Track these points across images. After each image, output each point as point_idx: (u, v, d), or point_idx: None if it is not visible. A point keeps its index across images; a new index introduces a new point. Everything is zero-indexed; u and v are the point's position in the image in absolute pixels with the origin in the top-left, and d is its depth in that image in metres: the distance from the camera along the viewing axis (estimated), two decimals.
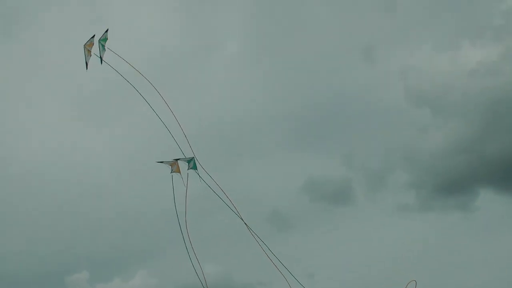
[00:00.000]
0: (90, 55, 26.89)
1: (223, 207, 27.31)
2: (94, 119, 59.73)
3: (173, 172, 27.30)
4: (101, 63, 27.18)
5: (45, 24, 63.46)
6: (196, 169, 27.53)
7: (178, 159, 27.27)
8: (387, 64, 61.85)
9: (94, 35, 26.86)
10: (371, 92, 60.96)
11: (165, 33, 62.80)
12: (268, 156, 57.13)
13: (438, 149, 56.60)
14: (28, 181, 57.38)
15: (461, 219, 56.02)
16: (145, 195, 54.90)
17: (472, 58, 56.95)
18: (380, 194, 57.09)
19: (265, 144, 58.54)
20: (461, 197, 56.15)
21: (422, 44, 62.69)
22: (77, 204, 56.29)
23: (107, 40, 27.03)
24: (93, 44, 26.86)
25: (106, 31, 26.95)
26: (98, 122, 59.96)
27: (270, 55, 63.95)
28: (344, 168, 58.26)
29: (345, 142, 59.53)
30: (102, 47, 27.00)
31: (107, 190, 57.41)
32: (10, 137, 60.10)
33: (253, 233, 26.50)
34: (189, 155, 27.37)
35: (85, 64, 27.07)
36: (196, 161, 27.34)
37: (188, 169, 27.39)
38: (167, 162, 27.28)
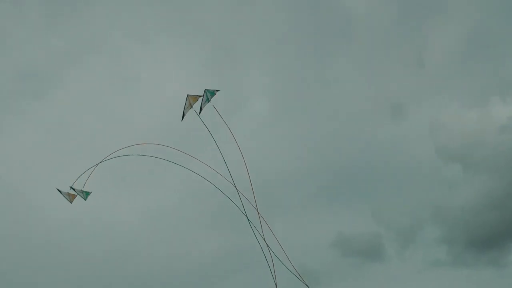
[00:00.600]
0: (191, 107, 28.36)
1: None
2: (122, 181, 60.23)
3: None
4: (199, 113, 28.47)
5: (73, 85, 64.85)
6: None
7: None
8: (416, 121, 62.28)
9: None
10: (401, 148, 61.32)
11: (192, 91, 63.39)
12: (297, 212, 56.68)
13: (469, 204, 56.26)
14: (58, 238, 57.12)
15: (494, 275, 55.46)
16: (174, 256, 55.74)
17: (502, 114, 57.53)
18: (411, 250, 56.70)
19: (294, 200, 58.23)
20: (493, 253, 55.79)
21: (452, 100, 63.65)
22: (105, 262, 56.06)
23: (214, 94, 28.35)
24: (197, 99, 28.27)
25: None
26: (126, 184, 59.92)
27: (298, 113, 64.52)
28: (374, 224, 57.66)
29: (375, 198, 59.45)
30: (207, 100, 28.44)
31: (137, 251, 57.24)
32: (42, 197, 57.98)
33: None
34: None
35: (182, 115, 28.49)
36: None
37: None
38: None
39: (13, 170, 60.51)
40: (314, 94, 65.24)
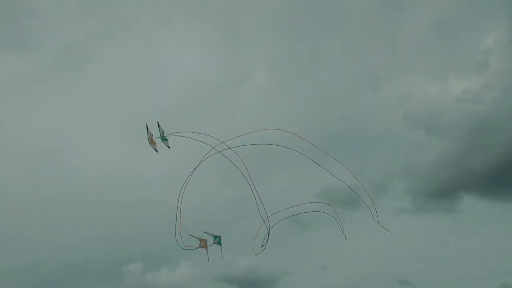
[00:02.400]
0: (155, 144, 28.29)
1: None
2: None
3: (201, 246, 28.95)
4: (170, 148, 28.26)
5: (107, 60, 69.66)
6: (220, 245, 29.03)
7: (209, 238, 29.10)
8: (388, 93, 66.48)
9: (147, 129, 28.09)
10: (376, 116, 65.45)
11: (205, 66, 68.51)
12: (290, 168, 59.26)
13: (430, 162, 60.24)
14: (94, 190, 63.27)
15: (450, 220, 60.42)
16: (188, 201, 61.14)
17: (458, 87, 61.32)
18: (382, 200, 58.55)
19: (288, 158, 57.71)
20: (449, 202, 60.08)
21: (417, 76, 67.75)
22: (133, 209, 62.11)
23: (164, 132, 28.17)
24: (152, 135, 28.09)
25: (158, 125, 28.09)
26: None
27: (294, 85, 69.03)
28: (352, 178, 57.00)
29: (354, 157, 59.69)
30: (166, 139, 28.26)
31: (156, 197, 61.52)
32: (81, 153, 65.98)
33: None
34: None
35: (155, 150, 28.27)
36: (220, 239, 28.88)
37: (213, 243, 29.14)
38: (196, 238, 28.75)
39: (54, 134, 66.70)
40: (307, 69, 69.83)
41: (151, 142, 28.24)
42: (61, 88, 68.61)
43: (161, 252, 59.69)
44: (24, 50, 70.01)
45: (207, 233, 29.20)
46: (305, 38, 71.34)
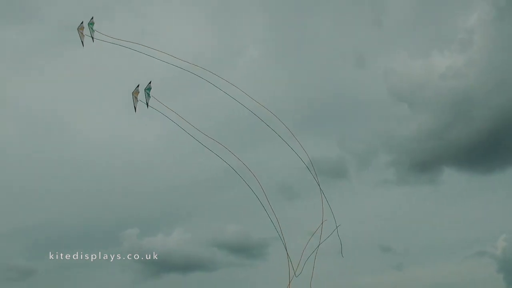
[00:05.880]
0: (137, 101, 28.35)
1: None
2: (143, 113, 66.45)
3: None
4: (147, 107, 28.22)
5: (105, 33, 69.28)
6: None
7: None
8: (373, 68, 67.07)
9: (138, 85, 28.46)
10: (361, 90, 65.84)
11: (197, 40, 67.91)
12: (280, 139, 60.84)
13: (413, 135, 61.75)
14: (92, 159, 64.61)
15: (430, 191, 62.30)
16: (182, 171, 62.50)
17: (442, 64, 62.29)
18: (367, 171, 62.46)
19: (279, 129, 61.86)
20: (430, 174, 61.91)
21: (402, 52, 67.71)
22: (131, 177, 63.52)
23: (151, 89, 28.38)
24: (139, 92, 28.23)
25: (149, 82, 28.42)
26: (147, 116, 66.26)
27: (283, 60, 69.54)
28: (338, 150, 62.78)
29: (340, 130, 64.81)
30: (148, 95, 28.25)
31: (153, 166, 64.09)
32: (81, 122, 67.16)
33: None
34: None
35: (134, 108, 28.25)
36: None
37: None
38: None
39: (54, 103, 67.29)
40: (297, 45, 69.42)
41: (134, 97, 28.51)
42: (60, 60, 68.35)
43: (157, 219, 61.59)
44: (24, 23, 69.92)
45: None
46: (294, 14, 71.29)
